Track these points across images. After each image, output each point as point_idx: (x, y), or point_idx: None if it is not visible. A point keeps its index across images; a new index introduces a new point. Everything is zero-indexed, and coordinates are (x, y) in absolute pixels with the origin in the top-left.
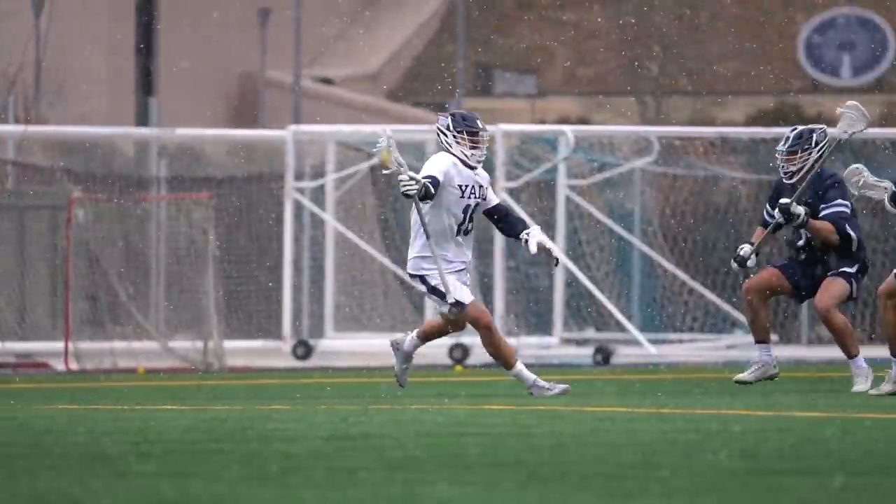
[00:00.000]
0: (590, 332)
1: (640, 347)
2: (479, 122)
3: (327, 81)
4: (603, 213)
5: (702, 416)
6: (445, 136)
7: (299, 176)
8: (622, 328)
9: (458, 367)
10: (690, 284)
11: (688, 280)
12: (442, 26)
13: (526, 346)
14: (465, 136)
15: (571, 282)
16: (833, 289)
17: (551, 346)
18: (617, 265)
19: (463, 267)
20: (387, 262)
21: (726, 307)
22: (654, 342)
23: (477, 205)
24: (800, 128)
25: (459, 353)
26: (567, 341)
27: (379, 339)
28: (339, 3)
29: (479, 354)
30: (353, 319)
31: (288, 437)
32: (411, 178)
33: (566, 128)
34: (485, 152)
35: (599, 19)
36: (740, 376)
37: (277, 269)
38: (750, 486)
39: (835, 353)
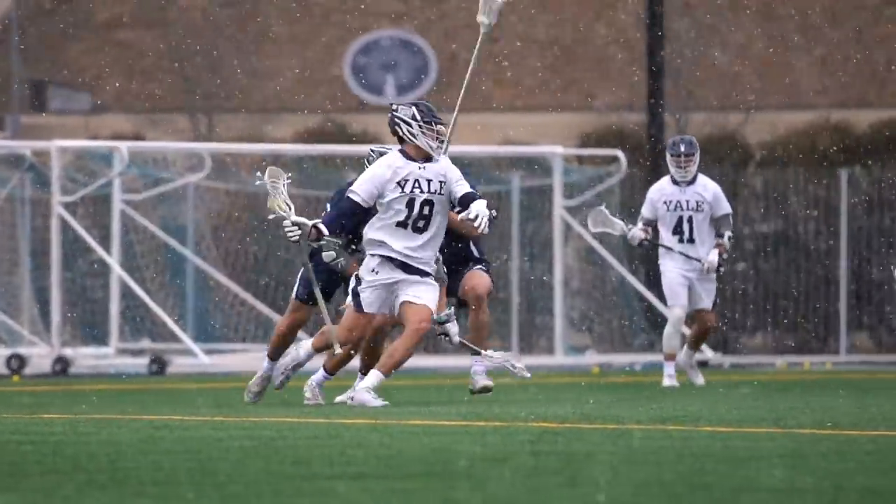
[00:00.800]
0: (145, 343)
1: (194, 357)
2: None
3: None
4: (157, 226)
5: (255, 424)
6: (410, 126)
7: None
8: (177, 338)
9: (16, 377)
10: (242, 296)
11: (240, 291)
12: None
13: (82, 357)
14: (433, 128)
15: (126, 293)
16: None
17: (107, 356)
18: (171, 277)
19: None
20: None
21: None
22: (208, 352)
23: (429, 202)
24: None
25: (16, 364)
26: (123, 351)
27: None
28: None
29: (37, 364)
30: None
31: None
32: (295, 224)
33: (120, 144)
34: (443, 146)
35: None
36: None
37: None
38: (302, 491)
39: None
